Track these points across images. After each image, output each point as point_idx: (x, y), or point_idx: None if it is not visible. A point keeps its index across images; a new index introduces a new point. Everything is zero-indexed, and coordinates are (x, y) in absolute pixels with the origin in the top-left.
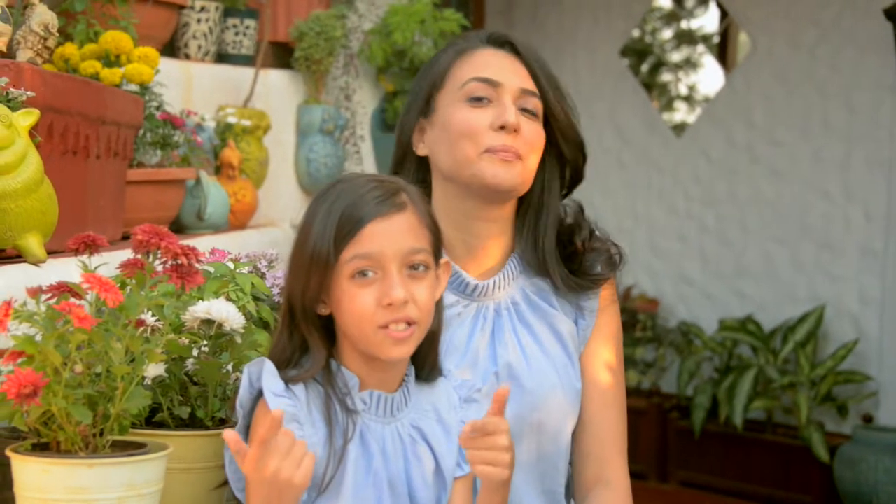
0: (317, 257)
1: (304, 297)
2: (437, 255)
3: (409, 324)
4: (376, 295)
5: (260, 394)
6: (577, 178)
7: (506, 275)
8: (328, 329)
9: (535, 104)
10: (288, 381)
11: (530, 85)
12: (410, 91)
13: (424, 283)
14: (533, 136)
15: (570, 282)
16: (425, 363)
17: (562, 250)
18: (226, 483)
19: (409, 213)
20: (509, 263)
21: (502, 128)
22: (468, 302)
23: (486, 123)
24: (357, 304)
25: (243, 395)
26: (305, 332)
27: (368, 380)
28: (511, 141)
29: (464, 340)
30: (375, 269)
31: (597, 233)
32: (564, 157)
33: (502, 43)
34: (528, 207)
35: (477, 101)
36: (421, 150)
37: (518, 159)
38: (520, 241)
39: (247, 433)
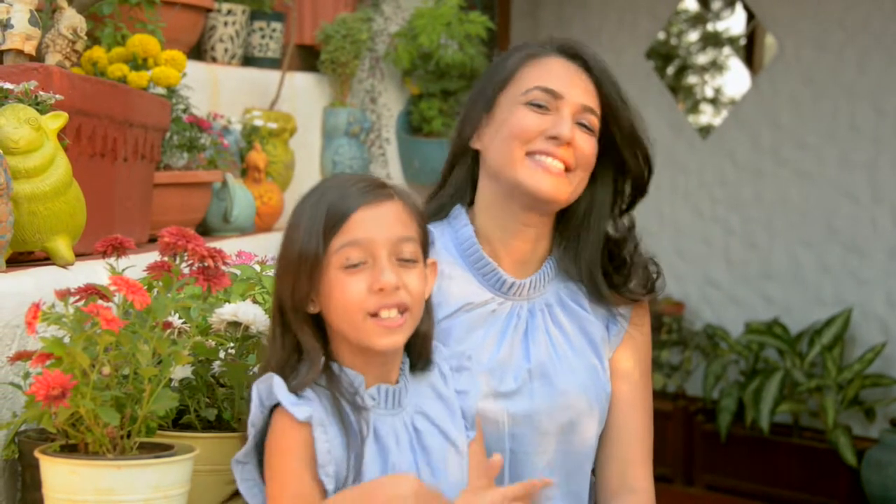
0: (305, 253)
1: (294, 295)
2: (425, 250)
3: (402, 311)
4: (367, 282)
5: (271, 410)
6: (639, 191)
7: (542, 276)
8: (320, 330)
9: (593, 121)
10: (292, 391)
11: (592, 102)
12: (473, 89)
13: (415, 271)
14: (586, 149)
15: (606, 294)
16: (419, 360)
17: (604, 263)
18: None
19: (397, 202)
20: (545, 266)
21: (555, 138)
22: (503, 300)
23: (541, 130)
24: (348, 292)
25: (255, 414)
26: (298, 331)
27: (369, 375)
28: (561, 152)
29: (497, 337)
30: (365, 258)
31: (640, 250)
32: (628, 168)
33: (573, 55)
34: (572, 222)
35: (537, 107)
36: (475, 143)
37: (563, 174)
38: (557, 250)
39: (260, 451)
